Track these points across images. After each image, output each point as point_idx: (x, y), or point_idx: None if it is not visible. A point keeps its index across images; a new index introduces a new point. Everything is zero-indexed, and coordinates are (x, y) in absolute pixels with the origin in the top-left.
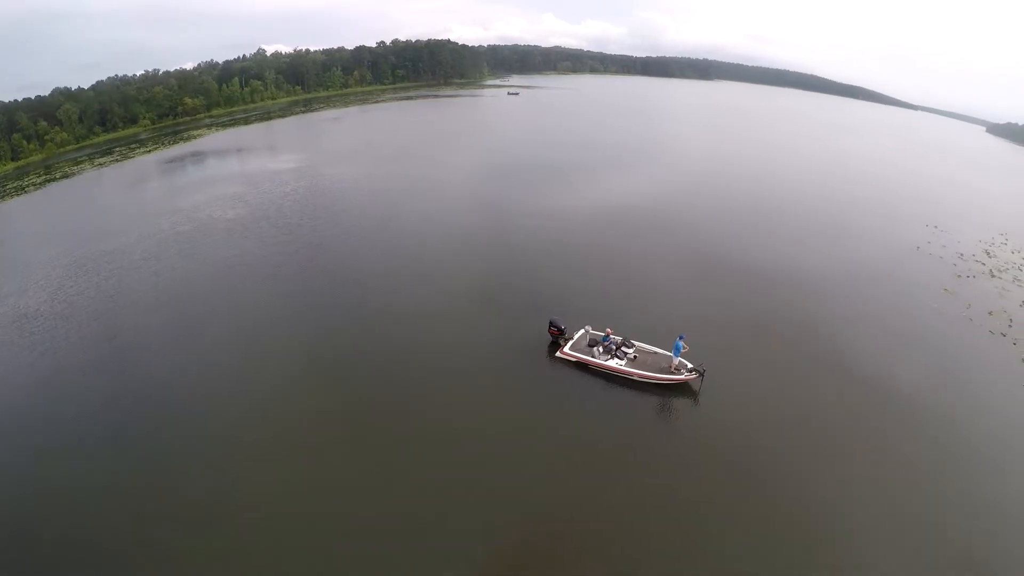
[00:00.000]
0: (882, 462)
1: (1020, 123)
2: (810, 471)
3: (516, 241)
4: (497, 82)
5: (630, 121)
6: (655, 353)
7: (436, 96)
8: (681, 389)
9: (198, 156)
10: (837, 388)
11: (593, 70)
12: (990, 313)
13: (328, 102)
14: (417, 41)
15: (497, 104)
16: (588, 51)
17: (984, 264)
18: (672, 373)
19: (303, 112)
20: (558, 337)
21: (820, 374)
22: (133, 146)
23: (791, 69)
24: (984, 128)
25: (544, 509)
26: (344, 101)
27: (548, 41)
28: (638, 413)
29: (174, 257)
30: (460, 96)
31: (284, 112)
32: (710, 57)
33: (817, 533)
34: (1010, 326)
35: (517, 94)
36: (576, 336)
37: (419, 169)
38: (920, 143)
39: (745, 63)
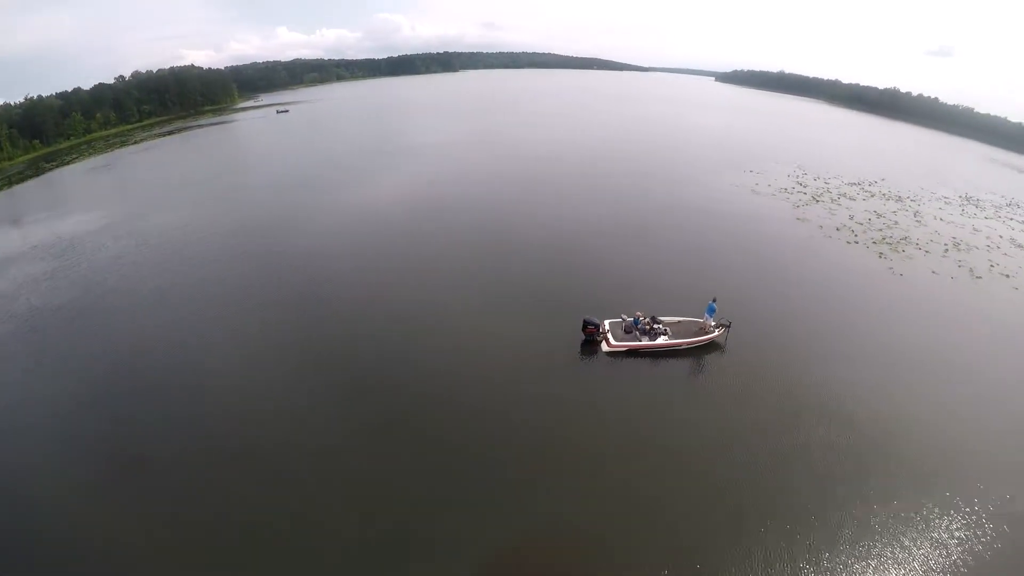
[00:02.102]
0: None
1: (744, 69)
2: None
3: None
4: (250, 103)
5: (426, 118)
6: (679, 322)
7: (199, 126)
8: (709, 345)
9: None
10: (774, 296)
11: (340, 78)
12: (837, 229)
13: (79, 152)
14: (160, 71)
15: (274, 123)
16: (331, 59)
17: (805, 193)
18: (708, 332)
19: (55, 167)
20: (595, 334)
21: (762, 295)
22: None
23: (528, 50)
24: (714, 78)
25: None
26: (94, 149)
27: (286, 55)
28: (690, 378)
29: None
30: (226, 123)
31: (30, 172)
32: (450, 49)
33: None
34: (855, 235)
35: (287, 111)
36: (610, 327)
37: (263, 199)
38: (680, 101)
39: (484, 51)
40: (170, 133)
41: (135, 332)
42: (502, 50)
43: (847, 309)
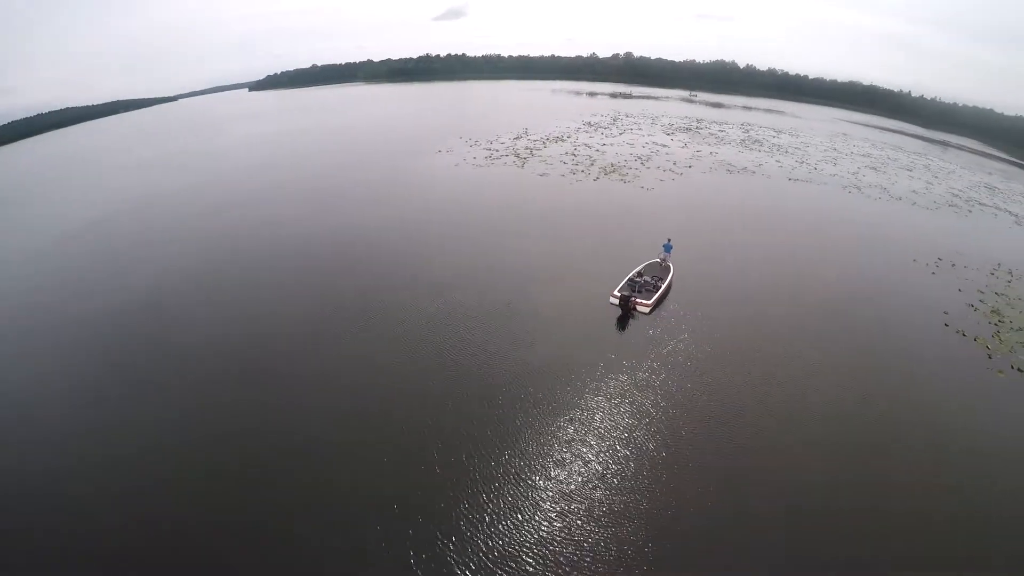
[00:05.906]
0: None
1: (277, 72)
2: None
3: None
4: None
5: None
6: (647, 265)
7: None
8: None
9: None
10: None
11: None
12: (572, 172)
13: None
14: None
15: None
16: None
17: (506, 155)
18: (669, 268)
19: None
20: (632, 304)
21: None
22: None
23: (44, 110)
24: (247, 88)
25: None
26: None
27: None
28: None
29: None
30: None
31: None
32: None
33: None
34: (587, 173)
35: None
36: (624, 291)
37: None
38: (301, 108)
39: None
40: None
41: None
42: (15, 118)
43: (649, 223)
